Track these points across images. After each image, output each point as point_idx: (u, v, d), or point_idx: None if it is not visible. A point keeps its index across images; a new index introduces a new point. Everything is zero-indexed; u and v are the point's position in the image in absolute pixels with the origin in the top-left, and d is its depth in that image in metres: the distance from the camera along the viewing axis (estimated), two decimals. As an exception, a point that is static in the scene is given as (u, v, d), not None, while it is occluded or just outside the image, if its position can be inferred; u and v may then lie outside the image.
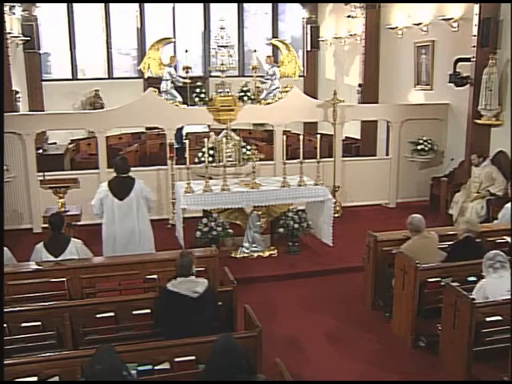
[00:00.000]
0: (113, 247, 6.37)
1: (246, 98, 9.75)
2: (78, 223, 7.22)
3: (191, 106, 9.99)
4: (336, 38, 14.46)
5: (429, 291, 5.33)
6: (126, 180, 6.38)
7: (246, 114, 9.29)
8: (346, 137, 11.89)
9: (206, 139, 8.11)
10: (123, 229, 6.36)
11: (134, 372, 3.71)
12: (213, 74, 12.71)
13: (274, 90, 10.97)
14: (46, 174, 7.57)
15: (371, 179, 10.05)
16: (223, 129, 8.95)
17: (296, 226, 7.74)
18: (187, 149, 7.63)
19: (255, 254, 7.74)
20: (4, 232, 5.83)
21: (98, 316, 4.57)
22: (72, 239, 5.84)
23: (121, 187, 6.34)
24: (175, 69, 12.15)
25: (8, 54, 11.80)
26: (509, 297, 4.61)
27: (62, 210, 7.08)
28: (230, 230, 7.71)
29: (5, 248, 5.53)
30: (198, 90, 9.95)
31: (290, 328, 5.88)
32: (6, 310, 4.45)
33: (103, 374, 3.06)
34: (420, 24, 10.55)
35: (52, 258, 5.60)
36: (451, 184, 9.19)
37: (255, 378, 3.35)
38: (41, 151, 11.10)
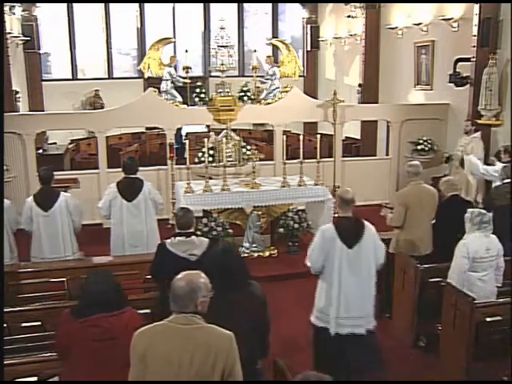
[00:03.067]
0: (121, 248, 6.38)
1: (245, 98, 9.75)
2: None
3: (191, 106, 10.00)
4: (336, 38, 14.46)
5: (429, 291, 5.34)
6: (134, 181, 6.38)
7: (246, 114, 9.30)
8: (346, 137, 11.90)
9: (205, 139, 8.11)
10: (132, 230, 6.36)
11: None
12: (213, 73, 12.73)
13: (274, 89, 10.96)
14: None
15: (371, 179, 10.04)
16: (223, 129, 8.95)
17: (296, 225, 7.74)
18: (187, 149, 7.63)
19: (255, 254, 7.73)
20: (3, 232, 5.82)
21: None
22: (62, 193, 6.05)
23: (130, 188, 6.34)
24: (175, 69, 12.14)
25: (8, 54, 11.79)
26: (487, 255, 4.77)
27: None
28: (230, 230, 7.70)
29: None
30: (198, 90, 9.95)
31: (290, 328, 5.87)
32: (6, 310, 4.45)
33: (100, 293, 3.34)
34: (420, 24, 10.55)
35: (42, 212, 5.86)
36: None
37: (248, 279, 3.73)
38: (41, 151, 11.11)
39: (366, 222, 4.63)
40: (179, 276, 2.91)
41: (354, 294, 4.47)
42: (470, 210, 4.99)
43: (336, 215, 8.72)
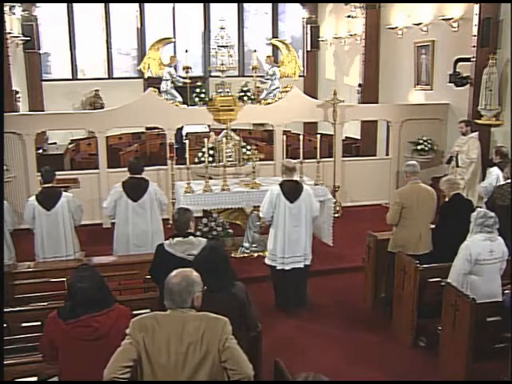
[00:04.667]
0: (126, 248, 6.40)
1: (246, 98, 9.76)
2: (78, 223, 7.22)
3: (191, 106, 9.99)
4: (336, 37, 14.44)
5: (429, 291, 5.34)
6: (140, 181, 6.41)
7: (246, 114, 9.29)
8: (346, 137, 11.90)
9: (205, 139, 8.11)
10: (136, 230, 6.39)
11: None
12: (213, 73, 12.73)
13: (274, 89, 10.97)
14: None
15: (371, 179, 10.05)
16: (223, 129, 8.95)
17: (296, 225, 7.77)
18: (187, 149, 7.63)
19: (255, 254, 7.73)
20: (4, 232, 5.83)
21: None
22: (64, 193, 6.16)
23: (135, 188, 6.37)
24: (175, 69, 12.15)
25: (8, 54, 11.78)
26: (491, 258, 4.75)
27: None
28: (230, 230, 7.72)
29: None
30: (198, 90, 9.95)
31: (289, 328, 5.88)
32: (5, 310, 4.45)
33: (86, 290, 3.33)
34: (420, 24, 10.54)
35: (44, 211, 5.98)
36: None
37: (233, 280, 3.76)
38: (41, 151, 11.10)
39: (305, 185, 6.21)
40: (172, 274, 2.95)
41: (295, 238, 6.02)
42: (478, 209, 4.99)
43: (336, 215, 8.87)
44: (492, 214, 4.86)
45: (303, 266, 6.17)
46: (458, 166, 8.46)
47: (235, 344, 2.91)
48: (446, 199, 5.93)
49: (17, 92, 12.44)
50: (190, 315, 2.89)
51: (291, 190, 6.02)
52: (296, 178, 6.20)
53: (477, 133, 8.53)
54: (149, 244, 6.39)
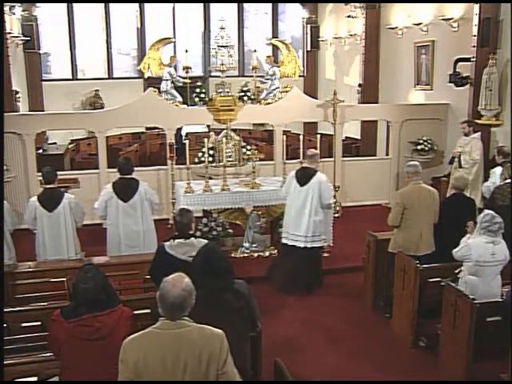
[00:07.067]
0: (118, 248, 6.40)
1: (246, 98, 9.76)
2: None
3: (191, 106, 9.99)
4: (336, 37, 14.45)
5: (429, 291, 5.34)
6: (130, 182, 6.39)
7: (246, 114, 9.28)
8: (346, 137, 11.90)
9: (205, 139, 8.11)
10: (128, 230, 6.38)
11: None
12: (213, 73, 12.73)
13: (274, 89, 10.96)
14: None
15: (371, 179, 10.04)
16: (223, 129, 8.95)
17: (296, 225, 7.79)
18: (187, 149, 7.63)
19: (255, 254, 7.74)
20: (4, 232, 5.83)
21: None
22: (66, 194, 6.15)
23: (125, 189, 6.36)
24: (175, 69, 12.14)
25: (8, 54, 11.78)
26: (492, 260, 4.76)
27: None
28: (230, 230, 7.72)
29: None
30: (198, 90, 9.95)
31: (290, 328, 5.88)
32: (6, 310, 4.45)
33: (89, 290, 3.32)
34: (420, 24, 10.54)
35: (46, 213, 5.96)
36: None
37: (233, 279, 3.68)
38: (41, 151, 11.10)
39: (320, 173, 6.70)
40: (169, 284, 2.80)
41: (299, 218, 6.63)
42: (486, 211, 4.96)
43: (336, 215, 8.87)
44: (499, 219, 4.79)
45: (303, 246, 6.63)
46: (460, 166, 8.43)
47: (232, 366, 2.85)
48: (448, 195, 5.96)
49: (17, 92, 12.44)
50: (184, 330, 2.78)
51: (302, 175, 6.67)
52: (313, 165, 6.70)
53: (479, 133, 8.50)
54: (141, 244, 6.40)
